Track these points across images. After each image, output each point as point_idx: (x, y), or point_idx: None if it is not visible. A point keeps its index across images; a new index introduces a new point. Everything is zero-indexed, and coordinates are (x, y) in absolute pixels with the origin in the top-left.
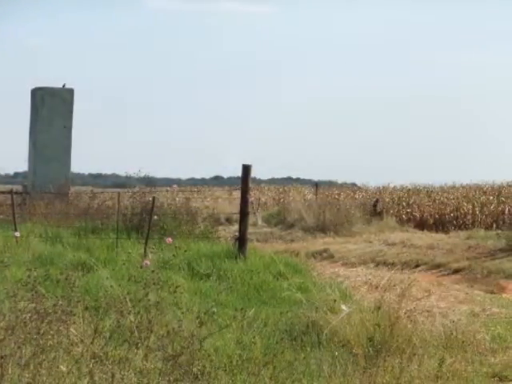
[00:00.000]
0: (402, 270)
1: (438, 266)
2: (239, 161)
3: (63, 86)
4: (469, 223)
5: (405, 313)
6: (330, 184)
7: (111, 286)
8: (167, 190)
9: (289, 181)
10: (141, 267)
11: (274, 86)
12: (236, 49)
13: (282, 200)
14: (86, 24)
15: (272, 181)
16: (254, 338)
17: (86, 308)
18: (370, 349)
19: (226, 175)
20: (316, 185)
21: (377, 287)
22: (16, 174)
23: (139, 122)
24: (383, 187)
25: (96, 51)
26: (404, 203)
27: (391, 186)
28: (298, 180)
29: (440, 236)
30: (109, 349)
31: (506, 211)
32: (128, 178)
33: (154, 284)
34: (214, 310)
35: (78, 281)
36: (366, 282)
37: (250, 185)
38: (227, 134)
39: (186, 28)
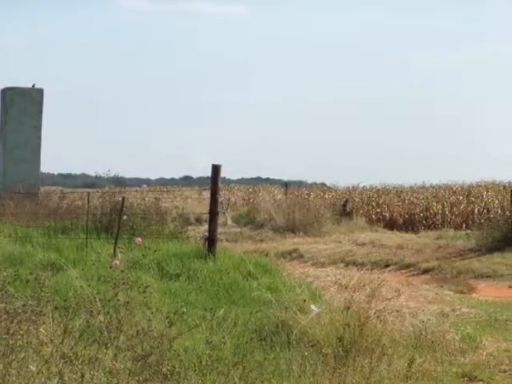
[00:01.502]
0: (372, 269)
1: (407, 266)
2: (209, 161)
3: (33, 86)
4: (438, 223)
5: (374, 313)
6: (300, 184)
7: (81, 286)
8: (137, 190)
9: (258, 181)
10: (110, 267)
11: (245, 86)
12: (206, 49)
13: (251, 200)
14: (59, 24)
15: (242, 181)
16: (223, 338)
17: (56, 308)
18: (340, 349)
19: (195, 175)
20: (286, 185)
21: (346, 287)
22: None
23: (109, 122)
24: (353, 187)
25: (67, 51)
26: (374, 203)
27: (361, 186)
28: (267, 180)
29: (410, 236)
30: (78, 349)
31: (476, 211)
32: (98, 178)
33: (123, 284)
34: (184, 309)
35: (48, 281)
36: (336, 282)
37: (220, 185)
38: (197, 134)
39: (157, 28)
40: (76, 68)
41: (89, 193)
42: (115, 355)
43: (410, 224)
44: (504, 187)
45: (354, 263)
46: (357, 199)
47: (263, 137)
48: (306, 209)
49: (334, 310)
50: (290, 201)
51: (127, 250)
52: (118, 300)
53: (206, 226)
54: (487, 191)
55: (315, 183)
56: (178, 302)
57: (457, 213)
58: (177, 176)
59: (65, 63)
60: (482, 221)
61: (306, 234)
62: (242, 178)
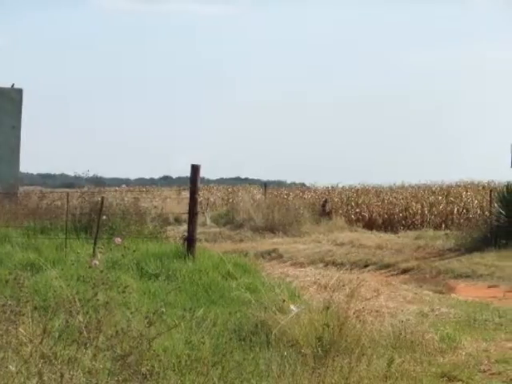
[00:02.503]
0: (351, 269)
1: (386, 266)
2: (188, 161)
3: (12, 85)
4: (418, 223)
5: (354, 313)
6: (279, 184)
7: (60, 286)
8: (116, 190)
9: (238, 181)
10: (90, 267)
11: (224, 85)
12: (185, 49)
13: (230, 200)
14: (38, 24)
15: (221, 181)
16: (202, 337)
17: (35, 308)
18: (319, 349)
19: (174, 175)
20: (265, 185)
21: (326, 287)
22: None
23: (89, 122)
24: (332, 187)
25: (45, 51)
26: (353, 203)
27: (340, 186)
28: (246, 180)
29: (389, 236)
30: (58, 349)
31: (455, 211)
32: (77, 178)
33: (102, 284)
34: (163, 309)
35: (27, 281)
36: (315, 281)
37: (199, 185)
38: (176, 134)
39: (137, 28)
40: (55, 68)
41: (68, 193)
42: (94, 355)
43: (389, 224)
44: (483, 187)
45: (334, 263)
46: (336, 199)
47: (243, 137)
48: (285, 209)
49: (313, 310)
50: (269, 201)
51: (106, 250)
52: (98, 300)
53: (185, 226)
54: (466, 191)
55: (294, 183)
56: (157, 302)
57: (436, 213)
58: (156, 176)
59: (44, 63)
60: (462, 221)
61: (285, 234)
62: (222, 178)
